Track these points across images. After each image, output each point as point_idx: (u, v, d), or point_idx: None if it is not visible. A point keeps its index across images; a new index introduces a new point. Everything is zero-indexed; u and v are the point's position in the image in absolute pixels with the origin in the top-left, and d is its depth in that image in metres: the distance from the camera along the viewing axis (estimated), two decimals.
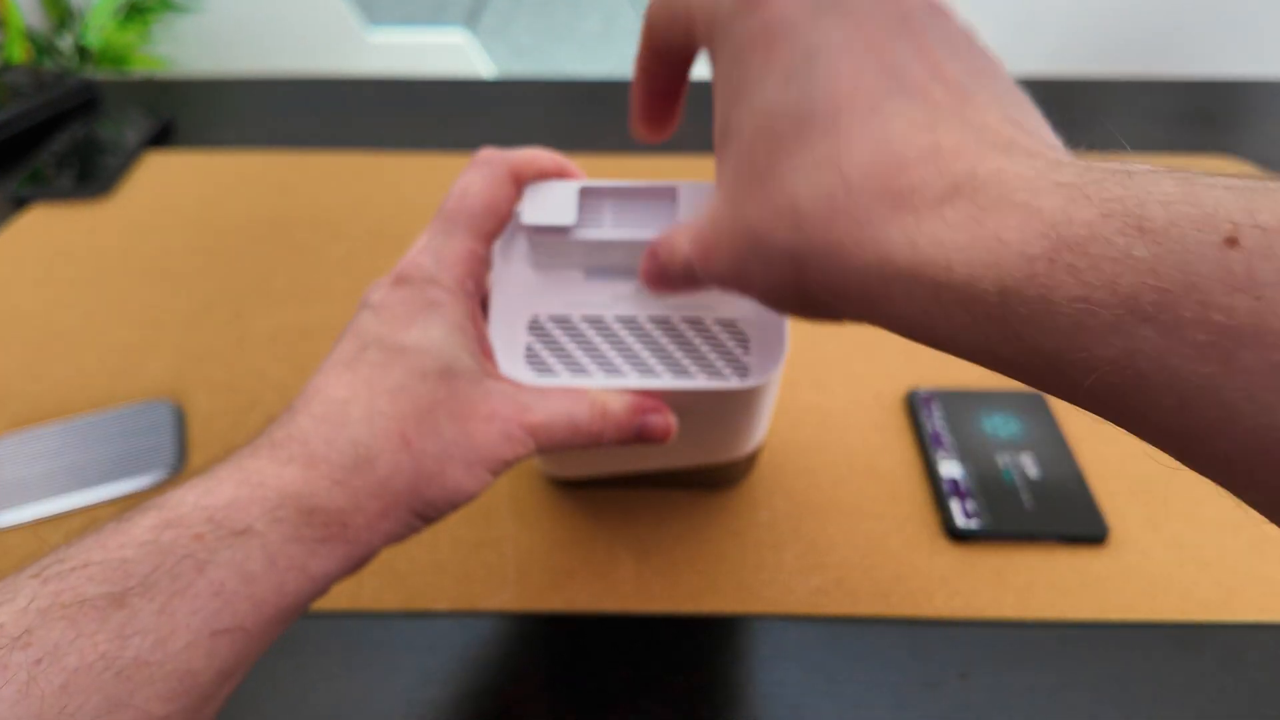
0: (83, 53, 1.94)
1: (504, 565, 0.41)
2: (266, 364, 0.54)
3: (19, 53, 1.82)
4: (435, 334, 0.28)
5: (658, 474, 0.42)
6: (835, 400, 0.50)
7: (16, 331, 0.57)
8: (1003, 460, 0.45)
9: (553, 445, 0.30)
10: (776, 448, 0.47)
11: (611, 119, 0.86)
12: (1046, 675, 0.37)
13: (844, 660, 0.38)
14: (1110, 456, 0.46)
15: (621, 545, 0.42)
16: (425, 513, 0.28)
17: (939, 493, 0.44)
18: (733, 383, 0.31)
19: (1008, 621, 0.39)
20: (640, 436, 0.31)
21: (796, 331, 0.55)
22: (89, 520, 0.44)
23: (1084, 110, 0.88)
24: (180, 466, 0.46)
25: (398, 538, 0.28)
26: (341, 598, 0.40)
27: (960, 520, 0.42)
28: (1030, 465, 0.45)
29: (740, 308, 0.32)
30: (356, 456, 0.26)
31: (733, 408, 0.34)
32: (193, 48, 2.07)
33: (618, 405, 0.30)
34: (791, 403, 0.50)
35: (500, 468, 0.29)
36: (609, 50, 2.02)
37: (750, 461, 0.43)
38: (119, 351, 0.55)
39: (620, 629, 0.39)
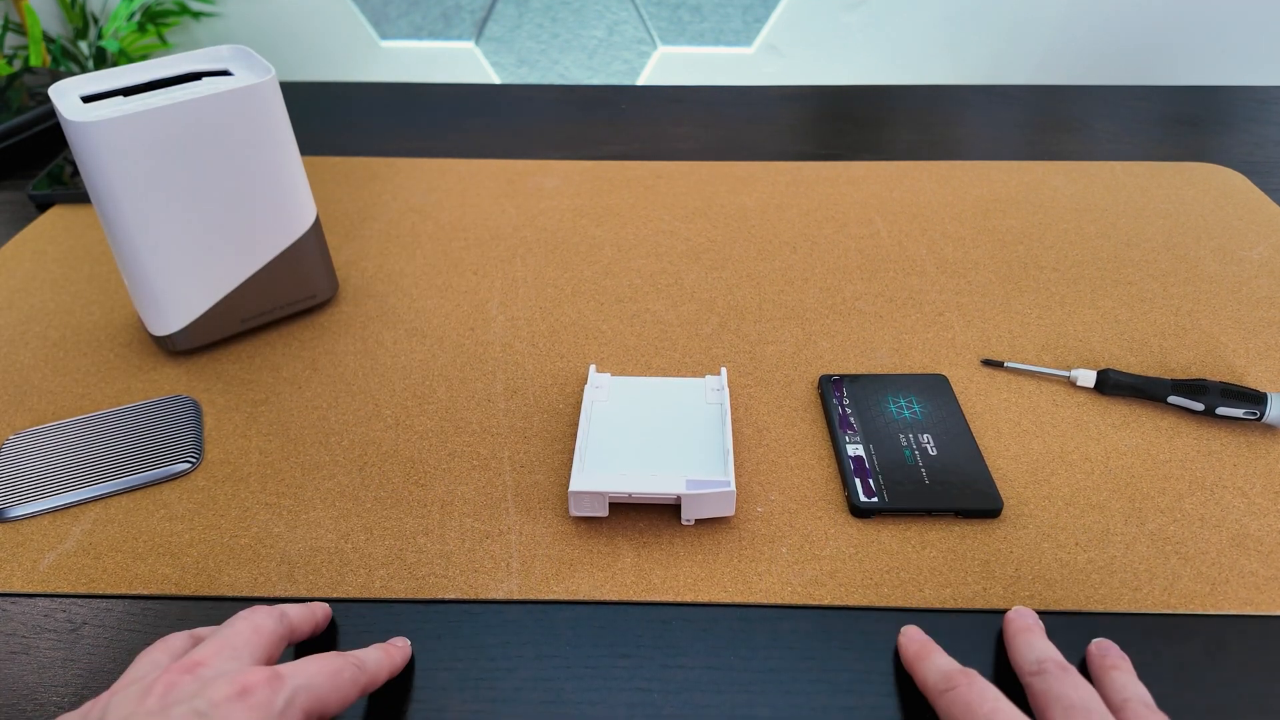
0: (101, 57, 1.97)
1: (509, 556, 0.43)
2: (281, 360, 0.55)
3: (37, 57, 1.86)
4: None
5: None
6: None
7: (37, 329, 0.59)
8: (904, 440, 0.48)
9: None
10: (773, 444, 0.49)
11: (613, 124, 0.88)
12: None
13: (836, 649, 0.39)
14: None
15: (622, 536, 0.44)
16: None
17: (845, 473, 0.46)
18: None
19: (997, 611, 0.40)
20: None
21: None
22: (105, 510, 0.45)
23: (1074, 116, 0.89)
24: (199, 459, 0.48)
25: None
26: (353, 587, 0.41)
27: (862, 499, 0.44)
28: (930, 445, 0.48)
29: None
30: None
31: None
32: None
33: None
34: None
35: None
36: (613, 58, 2.04)
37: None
38: (137, 348, 0.57)
39: (621, 617, 0.40)
